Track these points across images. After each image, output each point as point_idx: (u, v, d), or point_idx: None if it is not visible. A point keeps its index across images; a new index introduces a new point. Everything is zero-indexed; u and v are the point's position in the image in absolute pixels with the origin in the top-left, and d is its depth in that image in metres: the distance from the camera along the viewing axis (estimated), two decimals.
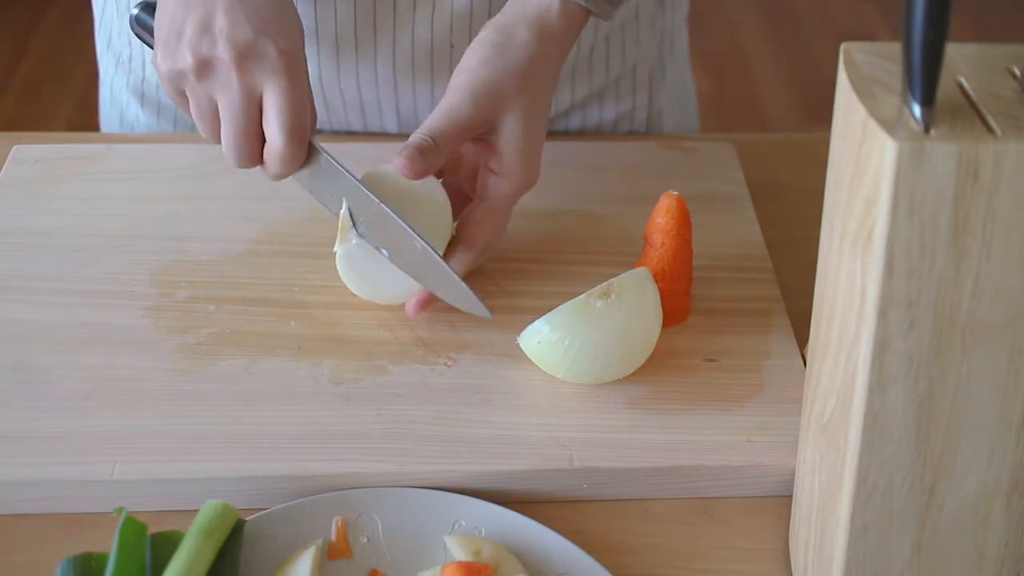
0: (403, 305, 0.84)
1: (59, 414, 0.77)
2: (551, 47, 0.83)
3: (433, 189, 0.82)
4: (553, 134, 1.04)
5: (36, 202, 0.94)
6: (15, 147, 1.00)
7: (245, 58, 0.78)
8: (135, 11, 0.87)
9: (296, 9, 0.83)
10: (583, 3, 0.83)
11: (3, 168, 0.98)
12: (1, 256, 0.90)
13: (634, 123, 1.06)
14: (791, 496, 0.73)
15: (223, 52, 0.77)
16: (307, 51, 0.96)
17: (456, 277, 0.80)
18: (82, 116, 2.65)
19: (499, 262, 0.89)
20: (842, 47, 0.58)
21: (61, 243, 0.91)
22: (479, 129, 0.81)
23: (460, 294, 0.80)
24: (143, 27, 0.87)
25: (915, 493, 0.60)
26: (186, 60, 0.78)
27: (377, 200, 0.79)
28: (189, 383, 0.80)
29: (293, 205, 0.94)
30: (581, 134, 1.05)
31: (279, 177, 0.82)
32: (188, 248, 0.90)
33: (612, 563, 0.71)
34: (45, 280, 0.87)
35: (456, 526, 0.72)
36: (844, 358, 0.59)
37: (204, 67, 0.78)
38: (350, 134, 1.05)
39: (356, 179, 0.81)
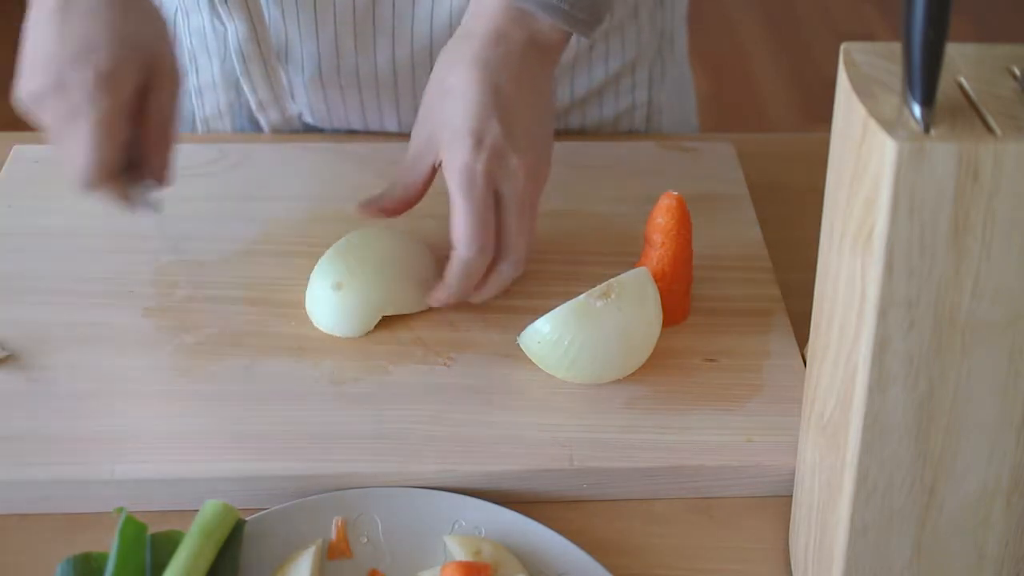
0: (401, 306, 0.85)
1: (59, 414, 0.77)
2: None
3: (419, 251, 0.87)
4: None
5: (36, 202, 0.94)
6: (15, 147, 1.00)
7: (55, 90, 0.75)
8: None
9: (117, 22, 0.77)
10: (564, 26, 0.82)
11: (3, 168, 0.98)
12: (1, 256, 0.90)
13: (634, 121, 1.06)
14: (791, 496, 0.73)
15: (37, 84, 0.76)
16: (307, 48, 0.97)
17: None
18: None
19: None
20: (842, 47, 0.58)
21: (61, 243, 0.91)
22: None
23: None
24: None
25: (915, 493, 0.60)
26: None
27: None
28: (189, 383, 0.80)
29: (293, 205, 0.94)
30: (581, 132, 1.05)
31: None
32: (188, 248, 0.90)
33: (612, 563, 0.71)
34: (45, 280, 0.87)
35: (456, 526, 0.72)
36: (844, 358, 0.59)
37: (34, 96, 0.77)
38: (351, 132, 1.05)
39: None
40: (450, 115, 0.79)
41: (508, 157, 0.78)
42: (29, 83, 0.78)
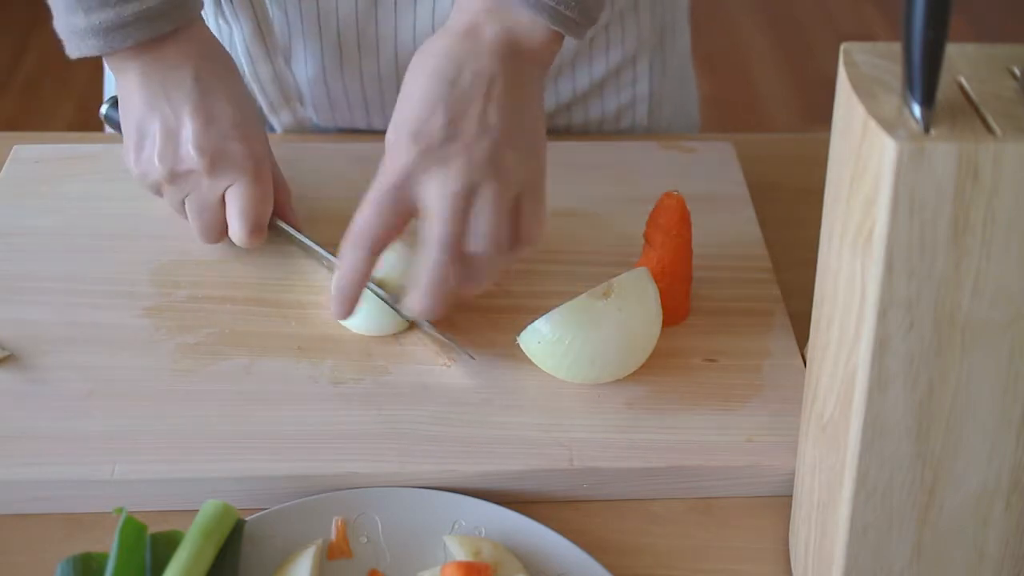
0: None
1: (59, 414, 0.77)
2: None
3: None
4: (555, 131, 1.04)
5: (36, 202, 0.94)
6: (15, 147, 1.00)
7: (214, 164, 0.83)
8: (105, 108, 0.96)
9: (255, 106, 0.88)
10: (554, 26, 0.76)
11: (3, 168, 0.98)
12: (1, 256, 0.90)
13: (635, 114, 1.06)
14: (791, 496, 0.73)
15: (195, 161, 0.83)
16: (310, 46, 0.97)
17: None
18: (82, 116, 2.65)
19: None
20: (842, 47, 0.58)
21: (61, 243, 0.91)
22: None
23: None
24: (111, 122, 0.95)
25: (915, 493, 0.60)
26: (157, 170, 0.84)
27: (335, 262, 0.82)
28: (189, 383, 0.80)
29: (293, 205, 0.94)
30: (584, 127, 1.05)
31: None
32: (188, 248, 0.90)
33: (612, 563, 0.71)
34: (45, 280, 0.87)
35: (456, 526, 0.72)
36: (844, 358, 0.59)
37: (175, 176, 0.84)
38: (354, 131, 1.05)
39: (316, 246, 0.88)
40: (397, 117, 0.76)
41: (448, 152, 0.73)
42: (137, 167, 0.86)
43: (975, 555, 0.62)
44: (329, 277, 0.86)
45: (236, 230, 0.85)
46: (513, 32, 0.76)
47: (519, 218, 0.76)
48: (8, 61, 2.85)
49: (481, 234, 0.74)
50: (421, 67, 0.76)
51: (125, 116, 0.86)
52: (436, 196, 0.73)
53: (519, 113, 0.76)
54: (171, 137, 0.83)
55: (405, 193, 0.74)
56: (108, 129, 0.98)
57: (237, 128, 0.84)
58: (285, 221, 0.89)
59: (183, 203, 0.86)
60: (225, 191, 0.85)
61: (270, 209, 0.87)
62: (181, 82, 0.84)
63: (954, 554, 0.62)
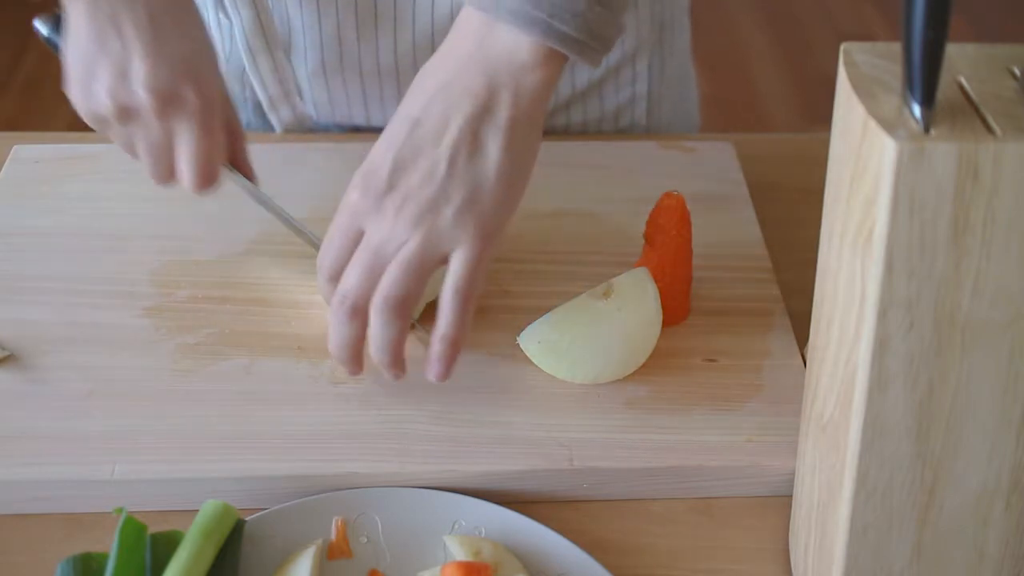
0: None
1: (59, 414, 0.77)
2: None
3: None
4: (554, 130, 1.04)
5: (36, 202, 0.95)
6: (15, 147, 1.00)
7: (165, 105, 0.80)
8: (45, 29, 0.91)
9: (211, 46, 0.84)
10: (569, 53, 0.72)
11: (3, 168, 0.98)
12: (1, 256, 0.90)
13: (635, 113, 1.06)
14: (791, 496, 0.73)
15: (144, 101, 0.80)
16: (310, 37, 0.97)
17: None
18: None
19: (499, 262, 0.89)
20: (842, 47, 0.58)
21: (61, 243, 0.91)
22: None
23: None
24: (51, 44, 0.91)
25: (915, 493, 0.60)
26: (106, 105, 0.81)
27: (284, 216, 0.88)
28: (189, 383, 0.80)
29: (293, 205, 0.93)
30: (583, 126, 1.05)
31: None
32: (188, 248, 0.90)
33: (612, 563, 0.71)
34: (45, 280, 0.87)
35: (456, 526, 0.72)
36: (844, 358, 0.59)
37: (124, 113, 0.81)
38: (353, 128, 1.05)
39: (263, 197, 0.87)
40: (373, 149, 0.75)
41: (385, 202, 0.72)
42: (84, 103, 0.83)
43: (975, 555, 0.62)
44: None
45: (185, 176, 0.82)
46: (488, 52, 0.72)
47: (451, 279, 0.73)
48: (8, 61, 2.84)
49: (379, 292, 0.72)
50: (409, 92, 0.75)
51: (72, 48, 0.82)
52: (360, 245, 0.73)
53: (472, 165, 0.72)
54: (121, 75, 0.80)
55: (354, 232, 0.74)
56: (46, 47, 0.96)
57: (190, 70, 0.81)
58: (239, 168, 0.87)
59: (132, 143, 0.83)
60: (175, 135, 0.82)
61: (221, 157, 0.84)
62: (134, 18, 0.80)
63: (954, 554, 0.62)
